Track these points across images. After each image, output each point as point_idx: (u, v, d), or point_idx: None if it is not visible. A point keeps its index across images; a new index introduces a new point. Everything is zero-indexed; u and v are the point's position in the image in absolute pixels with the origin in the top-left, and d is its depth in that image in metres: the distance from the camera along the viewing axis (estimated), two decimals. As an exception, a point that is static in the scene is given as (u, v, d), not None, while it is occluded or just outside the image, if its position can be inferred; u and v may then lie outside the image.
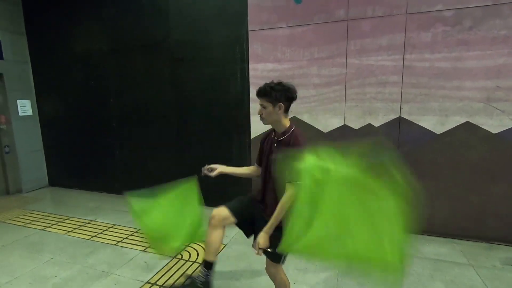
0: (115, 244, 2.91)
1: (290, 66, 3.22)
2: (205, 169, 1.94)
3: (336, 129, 3.15)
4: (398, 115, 2.93)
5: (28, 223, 3.44)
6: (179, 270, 2.45)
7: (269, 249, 1.58)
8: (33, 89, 4.70)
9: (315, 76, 3.13)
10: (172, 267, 2.50)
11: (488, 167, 2.74)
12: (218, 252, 1.81)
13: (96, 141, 4.45)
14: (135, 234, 3.14)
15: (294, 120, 3.25)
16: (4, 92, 4.32)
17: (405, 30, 2.79)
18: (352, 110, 3.08)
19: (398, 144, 2.96)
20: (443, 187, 2.88)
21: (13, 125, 4.41)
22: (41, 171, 4.88)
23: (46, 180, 4.95)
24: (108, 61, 4.12)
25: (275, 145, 1.68)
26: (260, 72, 3.35)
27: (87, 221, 3.49)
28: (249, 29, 3.31)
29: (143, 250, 2.78)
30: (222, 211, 1.74)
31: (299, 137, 1.59)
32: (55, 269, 2.49)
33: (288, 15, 3.13)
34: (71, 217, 3.63)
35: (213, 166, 1.93)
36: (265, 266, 1.78)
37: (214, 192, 3.82)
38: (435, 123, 2.83)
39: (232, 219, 1.73)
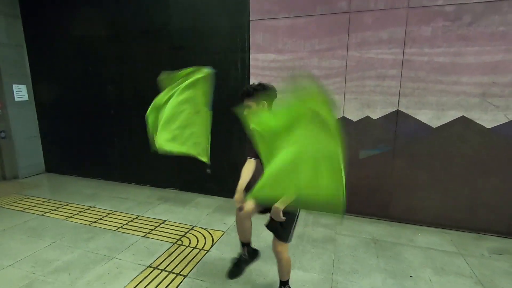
0: (115, 230, 2.96)
1: (291, 57, 3.23)
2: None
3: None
4: (396, 108, 2.98)
5: (26, 209, 3.46)
6: (180, 255, 2.51)
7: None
8: (29, 74, 4.62)
9: (315, 68, 3.15)
10: (173, 252, 2.56)
11: (481, 160, 2.82)
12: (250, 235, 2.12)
13: (94, 128, 4.43)
14: (134, 220, 3.18)
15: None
16: (-1, 76, 4.24)
17: (406, 24, 2.81)
18: (351, 103, 3.12)
19: (395, 137, 3.03)
20: (437, 179, 2.97)
21: (9, 110, 4.36)
22: (38, 157, 4.85)
23: (42, 166, 4.93)
24: (106, 47, 4.07)
25: None
26: (261, 62, 3.36)
27: (86, 207, 3.51)
28: (251, 18, 3.30)
29: (144, 236, 2.83)
30: (249, 206, 1.88)
31: None
32: (56, 252, 2.53)
33: (290, 5, 3.12)
34: (69, 203, 3.65)
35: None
36: (272, 247, 1.88)
37: (211, 181, 3.89)
38: (432, 117, 2.89)
39: (256, 210, 1.93)
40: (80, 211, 3.41)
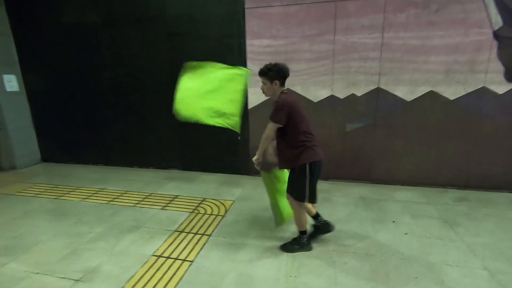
0: (134, 206, 3.24)
1: (284, 42, 3.56)
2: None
3: (325, 99, 3.62)
4: (376, 86, 3.45)
5: (38, 194, 3.61)
6: (200, 221, 2.87)
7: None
8: (17, 64, 4.57)
9: (306, 52, 3.51)
10: (192, 219, 2.91)
11: (444, 127, 3.40)
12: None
13: (91, 114, 4.54)
14: (148, 197, 3.47)
15: (288, 91, 3.66)
16: (-12, 66, 4.19)
17: (384, 11, 3.24)
18: (338, 82, 3.55)
19: (376, 111, 3.52)
20: (410, 145, 3.53)
21: (1, 100, 4.33)
22: (33, 147, 4.88)
23: (38, 156, 4.96)
24: (101, 34, 4.14)
25: None
26: (257, 47, 3.66)
27: (98, 190, 3.73)
28: (246, 6, 3.57)
29: (162, 209, 3.15)
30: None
31: (280, 97, 2.16)
32: (86, 227, 2.79)
33: (282, -6, 3.43)
34: (79, 187, 3.83)
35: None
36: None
37: (213, 159, 4.21)
38: (406, 92, 3.40)
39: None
40: (93, 193, 3.62)
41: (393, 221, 2.80)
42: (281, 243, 2.43)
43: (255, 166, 2.35)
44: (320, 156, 2.17)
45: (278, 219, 2.53)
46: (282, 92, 2.19)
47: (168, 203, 3.28)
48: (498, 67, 3.12)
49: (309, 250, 2.34)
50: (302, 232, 2.36)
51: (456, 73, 3.23)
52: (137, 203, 3.30)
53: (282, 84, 2.19)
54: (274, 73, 2.13)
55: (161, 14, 3.88)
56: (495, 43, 3.08)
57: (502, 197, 3.28)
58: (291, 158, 2.15)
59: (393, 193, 3.44)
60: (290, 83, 3.63)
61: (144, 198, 3.45)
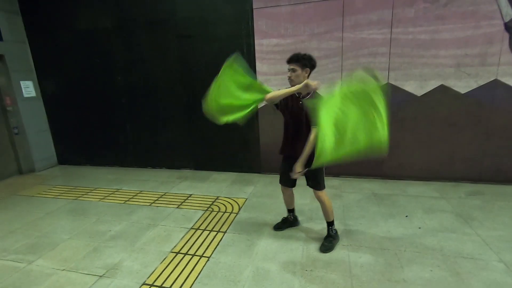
0: (149, 205, 3.33)
1: (293, 41, 3.60)
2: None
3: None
4: (386, 81, 3.46)
5: (58, 196, 3.74)
6: (214, 218, 2.94)
7: (305, 170, 2.20)
8: (34, 70, 4.73)
9: (315, 50, 3.54)
10: (207, 217, 2.98)
11: (456, 120, 3.38)
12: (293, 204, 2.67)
13: (106, 117, 4.66)
14: (163, 196, 3.56)
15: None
16: (7, 73, 4.35)
17: (393, 7, 3.24)
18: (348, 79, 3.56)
19: (387, 106, 3.51)
20: (421, 139, 3.52)
21: (19, 106, 4.50)
22: (50, 151, 5.04)
23: (55, 159, 5.13)
24: (112, 38, 4.26)
25: (301, 103, 2.17)
26: (265, 47, 3.71)
27: (114, 190, 3.84)
28: (254, 6, 3.62)
29: (177, 207, 3.23)
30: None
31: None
32: (105, 226, 2.89)
33: (290, -7, 3.46)
34: (96, 188, 3.95)
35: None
36: (315, 197, 2.39)
37: (224, 158, 4.28)
38: (416, 86, 3.40)
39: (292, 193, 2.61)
40: (110, 194, 3.73)
41: (406, 216, 2.81)
42: (295, 238, 2.48)
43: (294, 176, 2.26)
44: None
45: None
46: None
47: (183, 202, 3.37)
48: (510, 59, 3.09)
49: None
50: (332, 223, 2.42)
51: (466, 66, 3.21)
52: (152, 202, 3.40)
53: (309, 75, 2.18)
54: (306, 61, 2.10)
55: (172, 17, 3.96)
56: (506, 35, 3.05)
57: None
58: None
59: (405, 188, 3.45)
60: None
61: (159, 197, 3.54)
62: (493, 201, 3.03)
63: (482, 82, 3.21)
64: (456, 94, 3.30)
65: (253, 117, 4.03)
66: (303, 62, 2.09)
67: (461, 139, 3.41)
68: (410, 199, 3.17)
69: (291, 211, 2.70)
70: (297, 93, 2.19)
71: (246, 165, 4.24)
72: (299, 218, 2.77)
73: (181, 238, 2.60)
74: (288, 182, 2.50)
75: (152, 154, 4.65)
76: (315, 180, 2.31)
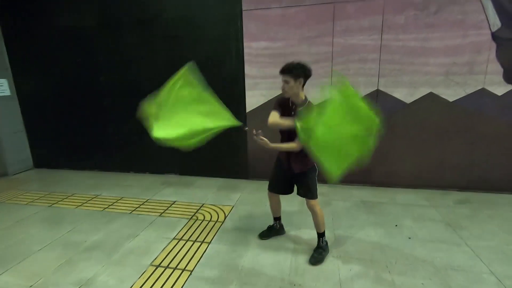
0: (130, 213, 3.15)
1: (282, 45, 3.52)
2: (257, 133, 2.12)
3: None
4: (376, 88, 3.42)
5: (31, 202, 3.50)
6: (199, 227, 2.80)
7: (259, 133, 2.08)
8: (9, 67, 4.46)
9: (305, 54, 3.47)
10: (191, 226, 2.83)
11: (444, 128, 3.38)
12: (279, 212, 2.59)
13: (86, 119, 4.44)
14: (145, 203, 3.38)
15: (287, 94, 3.62)
16: (-21, 70, 4.08)
17: (383, 13, 3.22)
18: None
19: (376, 113, 3.48)
20: (411, 146, 3.50)
21: (-8, 105, 4.22)
22: (25, 153, 4.76)
23: (30, 162, 4.84)
24: (96, 37, 4.07)
25: (293, 113, 2.07)
26: (255, 50, 3.62)
27: (93, 196, 3.63)
28: (243, 8, 3.52)
29: (160, 215, 3.06)
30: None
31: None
32: (81, 235, 2.70)
33: (280, -4, 3.39)
34: (73, 194, 3.73)
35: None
36: (306, 206, 2.29)
37: (211, 163, 4.14)
38: (406, 94, 3.38)
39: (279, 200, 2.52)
40: (88, 200, 3.52)
41: (396, 225, 2.75)
42: (283, 248, 2.37)
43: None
44: None
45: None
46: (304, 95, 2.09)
47: (166, 210, 3.20)
48: (497, 68, 3.12)
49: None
50: (323, 234, 2.32)
51: (455, 74, 3.21)
52: (133, 210, 3.21)
53: (304, 83, 2.06)
54: (299, 71, 1.99)
55: (159, 16, 3.82)
56: (493, 45, 3.08)
57: (504, 199, 3.26)
58: (305, 159, 2.13)
59: (394, 196, 3.41)
60: (289, 86, 3.59)
61: (141, 204, 3.36)
62: (481, 209, 3.02)
63: (470, 90, 3.23)
64: (445, 102, 3.30)
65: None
66: (295, 72, 1.98)
67: (450, 147, 3.41)
68: (399, 207, 3.13)
69: (277, 219, 2.60)
70: (291, 102, 2.13)
71: (233, 170, 4.12)
72: (287, 227, 2.68)
73: (163, 250, 2.44)
74: (277, 189, 2.40)
75: (135, 158, 4.45)
76: (307, 188, 2.22)
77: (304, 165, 2.17)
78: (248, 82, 3.72)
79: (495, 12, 2.99)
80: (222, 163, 4.14)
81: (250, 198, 3.45)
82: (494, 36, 3.06)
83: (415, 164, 3.54)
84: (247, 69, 3.69)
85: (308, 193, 2.22)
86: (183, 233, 2.70)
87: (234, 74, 3.76)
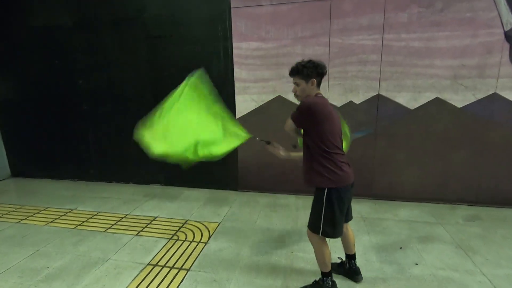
0: (104, 231, 2.83)
1: (275, 45, 3.23)
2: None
3: (320, 107, 3.28)
4: (377, 92, 3.13)
5: (-2, 217, 3.18)
6: (178, 250, 2.48)
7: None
8: (-18, 70, 4.15)
9: (299, 55, 3.18)
10: (170, 247, 2.52)
11: (452, 137, 3.08)
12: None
13: (65, 125, 4.13)
14: (123, 219, 3.07)
15: (280, 99, 3.33)
16: None
17: (384, 11, 2.93)
18: (334, 88, 3.22)
19: (377, 120, 3.19)
20: (414, 156, 3.20)
21: (-38, 111, 3.91)
22: (1, 161, 4.44)
23: (7, 170, 4.53)
24: (73, 37, 3.77)
25: None
26: (244, 51, 3.32)
27: (67, 211, 3.31)
28: (232, 6, 3.23)
29: (137, 234, 2.75)
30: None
31: (307, 99, 1.71)
32: (44, 260, 2.38)
33: (272, -8, 3.10)
34: (47, 207, 3.41)
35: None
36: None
37: (198, 173, 3.83)
38: (409, 99, 3.08)
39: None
40: (61, 215, 3.20)
41: (400, 248, 2.44)
42: (273, 275, 2.05)
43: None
44: (348, 179, 1.74)
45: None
46: (316, 95, 1.75)
47: (145, 227, 2.89)
48: (510, 71, 2.83)
49: None
50: (326, 274, 1.86)
51: (464, 78, 2.92)
52: (109, 228, 2.90)
53: (319, 83, 1.76)
54: (310, 70, 1.71)
55: (140, 15, 3.52)
56: (506, 45, 2.79)
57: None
58: (312, 173, 1.74)
59: (397, 211, 3.10)
60: (282, 90, 3.30)
61: (118, 220, 3.04)
62: (494, 228, 2.71)
63: (480, 95, 2.93)
64: (452, 108, 3.01)
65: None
66: (306, 72, 1.71)
67: (457, 157, 3.11)
68: (403, 224, 2.82)
69: (351, 257, 2.05)
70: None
71: (222, 181, 3.81)
72: (279, 249, 2.35)
73: (134, 279, 2.13)
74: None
75: (118, 167, 4.14)
76: (311, 213, 1.82)
77: (310, 179, 1.77)
78: (237, 85, 3.42)
79: (508, 8, 2.71)
80: (210, 174, 3.83)
81: (239, 214, 3.14)
82: (507, 35, 2.77)
83: (419, 176, 3.24)
84: (237, 72, 3.39)
85: (309, 220, 1.82)
86: (160, 257, 2.38)
87: (223, 77, 3.46)
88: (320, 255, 1.82)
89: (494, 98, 2.91)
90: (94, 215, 3.18)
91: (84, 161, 4.22)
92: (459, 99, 2.98)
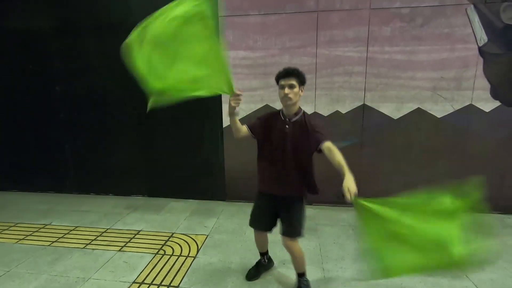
0: (83, 247, 2.65)
1: (262, 55, 3.24)
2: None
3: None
4: (362, 103, 3.21)
5: (-40, 235, 2.89)
6: (166, 265, 2.36)
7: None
8: None
9: (287, 65, 3.18)
10: (157, 263, 2.39)
11: (433, 146, 3.21)
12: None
13: (40, 135, 3.88)
14: (104, 234, 2.89)
15: (267, 107, 3.32)
16: None
17: (369, 24, 3.03)
18: (321, 98, 3.26)
19: (362, 129, 3.26)
20: (398, 165, 3.29)
21: None
22: (-36, 173, 4.08)
23: (-28, 183, 4.16)
24: (52, 42, 3.58)
25: (288, 126, 1.78)
26: (232, 59, 3.30)
27: (41, 226, 3.08)
28: (219, 14, 3.21)
29: (119, 250, 2.59)
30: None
31: (314, 119, 1.79)
32: (15, 283, 2.17)
33: (260, 2, 3.12)
34: (18, 223, 3.15)
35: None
36: (281, 242, 1.93)
37: (184, 183, 3.72)
38: (393, 109, 3.18)
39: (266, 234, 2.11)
40: (34, 231, 2.97)
41: (390, 255, 2.47)
42: (265, 294, 2.00)
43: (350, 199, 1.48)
44: None
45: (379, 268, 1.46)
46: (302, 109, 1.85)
47: (128, 242, 2.73)
48: (484, 83, 3.00)
49: None
50: (303, 274, 2.04)
51: (443, 89, 3.06)
52: (88, 244, 2.71)
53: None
54: (303, 78, 1.75)
55: (124, 21, 3.40)
56: (481, 60, 2.96)
57: (494, 219, 3.10)
58: (302, 187, 1.87)
59: (384, 219, 3.15)
60: (270, 99, 3.30)
61: (98, 236, 2.86)
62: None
63: (458, 106, 3.08)
64: (433, 118, 3.14)
65: (218, 137, 3.55)
66: (302, 78, 1.74)
67: (439, 166, 3.23)
68: (391, 232, 2.86)
69: (264, 253, 2.23)
70: (282, 114, 1.82)
71: (208, 191, 3.71)
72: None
73: (118, 299, 1.99)
74: (262, 225, 2.03)
75: (96, 178, 3.93)
76: (293, 221, 1.85)
77: (298, 190, 1.87)
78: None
79: (481, 26, 2.89)
80: (196, 183, 3.73)
81: (227, 225, 3.06)
82: (481, 51, 2.95)
83: (403, 185, 3.31)
84: (224, 81, 3.35)
85: (294, 228, 1.87)
86: (146, 274, 2.25)
87: (210, 86, 3.40)
88: (302, 256, 1.95)
89: (470, 109, 3.07)
90: (71, 230, 2.98)
91: (60, 172, 3.97)
92: (439, 110, 3.11)
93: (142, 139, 3.71)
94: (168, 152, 3.68)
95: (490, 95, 3.02)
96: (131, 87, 3.58)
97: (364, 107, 3.22)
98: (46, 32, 3.57)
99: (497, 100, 3.02)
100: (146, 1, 3.31)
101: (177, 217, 3.25)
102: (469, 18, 2.90)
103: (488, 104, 3.04)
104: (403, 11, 2.96)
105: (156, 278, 2.20)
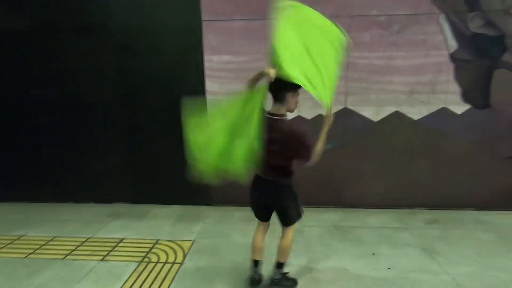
0: (63, 258, 2.54)
1: (247, 59, 3.27)
2: None
3: (291, 120, 3.35)
4: (344, 106, 3.31)
5: None
6: (152, 273, 2.31)
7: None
8: None
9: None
10: (142, 271, 2.34)
11: (411, 147, 3.35)
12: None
13: (13, 141, 3.69)
14: (85, 244, 2.79)
15: (252, 112, 3.34)
16: None
17: (349, 30, 3.13)
18: (305, 102, 3.30)
19: (344, 131, 3.36)
20: (379, 166, 3.41)
21: None
22: None
23: None
24: (27, 44, 3.43)
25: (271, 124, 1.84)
26: (216, 64, 3.31)
27: (15, 238, 2.92)
28: (203, 18, 3.22)
29: (102, 259, 2.51)
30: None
31: (294, 128, 1.92)
32: (-11, 298, 2.05)
33: (244, 7, 3.16)
34: (-11, 235, 2.98)
35: None
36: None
37: (168, 188, 3.66)
38: (373, 112, 3.31)
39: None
40: (7, 244, 2.81)
41: (373, 254, 2.56)
42: (254, 297, 2.00)
43: None
44: None
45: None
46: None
47: (111, 251, 2.65)
48: (456, 88, 3.19)
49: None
50: (282, 265, 2.04)
51: (419, 93, 3.22)
52: (68, 254, 2.61)
53: None
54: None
55: (106, 23, 3.33)
56: (452, 65, 3.15)
57: (468, 215, 3.29)
58: (290, 174, 1.94)
59: (366, 219, 3.25)
60: (255, 103, 3.32)
61: (79, 245, 2.75)
62: (450, 229, 2.98)
63: (432, 109, 3.25)
64: (410, 120, 3.29)
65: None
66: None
67: (417, 166, 3.38)
68: (373, 231, 2.96)
69: (256, 263, 2.06)
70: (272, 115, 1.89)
71: (193, 196, 3.66)
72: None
73: (102, 310, 1.93)
74: (263, 216, 2.07)
75: (76, 185, 3.78)
76: (289, 210, 1.93)
77: (287, 177, 1.94)
78: (209, 99, 3.38)
79: (452, 34, 3.08)
80: (180, 188, 3.66)
81: (214, 229, 3.04)
82: (452, 57, 3.13)
83: (385, 184, 3.45)
84: (208, 85, 3.36)
85: (287, 219, 1.98)
86: (131, 284, 2.20)
87: (194, 90, 3.38)
88: (289, 245, 1.98)
89: (444, 112, 3.24)
90: (49, 241, 2.85)
91: (36, 180, 3.78)
92: (415, 113, 3.27)
93: (123, 144, 3.62)
94: (150, 157, 3.61)
95: (461, 99, 3.21)
96: (114, 93, 3.53)
97: (345, 110, 3.32)
98: (20, 34, 3.41)
99: (467, 103, 3.22)
100: (126, 6, 3.29)
101: (161, 223, 3.19)
102: (440, 26, 3.08)
103: (460, 107, 3.23)
104: (380, 18, 3.09)
105: (142, 287, 2.15)
